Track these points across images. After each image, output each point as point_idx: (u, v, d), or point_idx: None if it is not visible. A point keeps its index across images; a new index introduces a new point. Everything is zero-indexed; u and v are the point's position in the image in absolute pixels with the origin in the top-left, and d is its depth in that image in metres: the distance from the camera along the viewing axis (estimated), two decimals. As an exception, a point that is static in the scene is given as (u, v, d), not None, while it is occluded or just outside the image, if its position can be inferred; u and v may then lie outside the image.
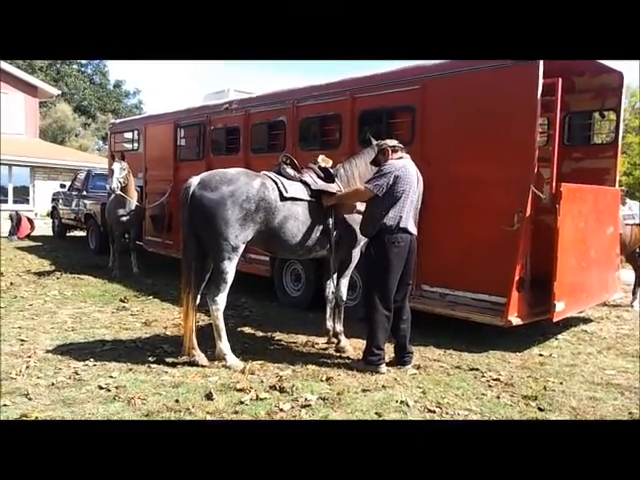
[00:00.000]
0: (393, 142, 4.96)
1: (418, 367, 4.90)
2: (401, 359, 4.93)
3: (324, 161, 5.41)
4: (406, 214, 4.71)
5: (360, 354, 5.02)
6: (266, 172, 5.19)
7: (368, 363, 4.77)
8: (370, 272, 4.92)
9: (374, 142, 5.12)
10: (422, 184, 5.03)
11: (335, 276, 5.50)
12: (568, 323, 6.45)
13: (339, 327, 5.46)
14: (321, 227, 5.17)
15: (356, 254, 5.48)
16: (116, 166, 9.31)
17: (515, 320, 5.30)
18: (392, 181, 4.65)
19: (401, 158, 4.86)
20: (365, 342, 4.87)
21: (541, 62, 5.10)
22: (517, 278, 5.27)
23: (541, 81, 5.16)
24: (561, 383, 4.59)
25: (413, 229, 4.80)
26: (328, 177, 5.34)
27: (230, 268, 4.78)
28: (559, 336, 6.12)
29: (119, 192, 9.40)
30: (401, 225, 4.68)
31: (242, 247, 4.84)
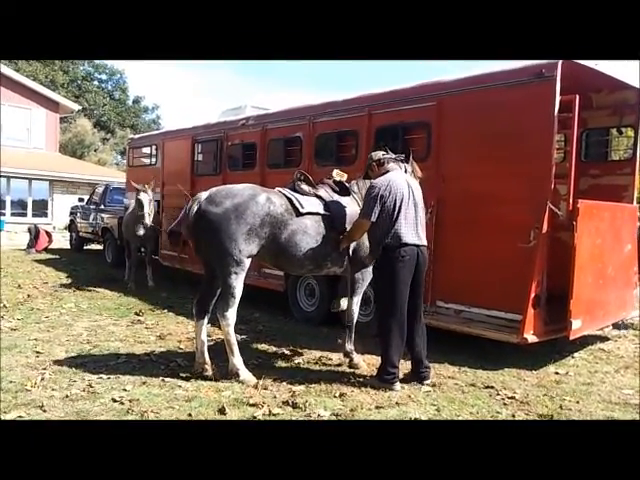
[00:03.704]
0: (378, 155, 4.95)
1: (433, 385, 4.85)
2: (419, 374, 4.87)
3: (339, 175, 5.43)
4: (405, 228, 4.65)
5: (374, 370, 4.99)
6: (280, 189, 5.21)
7: (382, 381, 4.71)
8: (379, 290, 4.90)
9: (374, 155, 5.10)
10: (420, 191, 4.90)
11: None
12: (585, 341, 6.36)
13: (349, 346, 5.40)
14: (332, 243, 5.13)
15: (369, 272, 5.46)
16: (145, 198, 9.34)
17: (531, 337, 5.24)
18: (379, 202, 4.63)
19: (387, 172, 4.81)
20: (379, 359, 4.83)
21: (558, 79, 5.09)
22: (533, 295, 5.21)
23: (558, 98, 5.15)
24: (577, 402, 4.52)
25: (418, 240, 4.72)
26: (343, 191, 5.36)
27: (237, 283, 4.77)
28: (575, 354, 6.04)
29: (150, 224, 9.52)
30: (402, 240, 4.62)
31: (247, 262, 4.82)
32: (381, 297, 4.86)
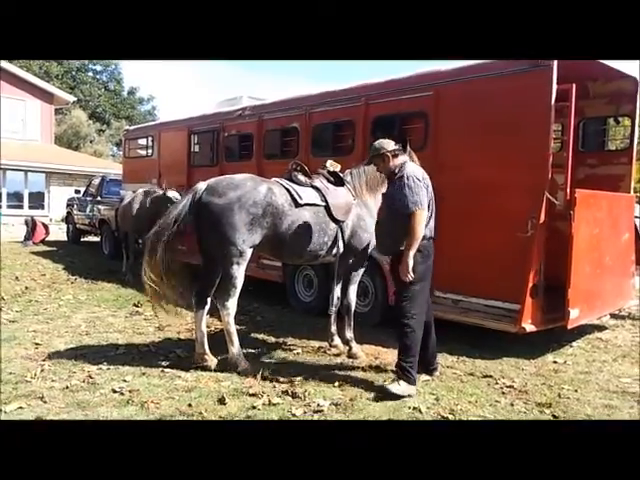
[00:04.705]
0: (391, 145, 4.58)
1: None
2: (431, 367, 4.81)
3: (332, 165, 5.44)
4: (434, 221, 4.56)
5: (373, 360, 5.01)
6: (277, 179, 5.21)
7: (411, 382, 4.34)
8: (410, 284, 4.35)
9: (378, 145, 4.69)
10: None
11: (341, 283, 5.51)
12: (583, 330, 6.39)
13: (349, 334, 5.43)
14: (329, 233, 5.18)
15: (364, 261, 5.49)
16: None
17: (529, 327, 5.26)
18: (426, 190, 4.37)
19: (405, 162, 4.53)
20: (379, 348, 4.78)
21: (555, 68, 5.08)
22: (531, 285, 5.22)
23: (555, 87, 5.15)
24: (576, 391, 4.56)
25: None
26: (338, 181, 5.37)
27: (239, 273, 4.79)
28: (573, 343, 6.07)
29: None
30: (433, 234, 4.52)
31: (250, 252, 4.84)
32: (412, 291, 4.38)
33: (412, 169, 4.45)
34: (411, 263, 4.24)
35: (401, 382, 4.29)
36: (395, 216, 4.39)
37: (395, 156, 4.55)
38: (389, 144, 4.58)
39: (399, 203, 4.32)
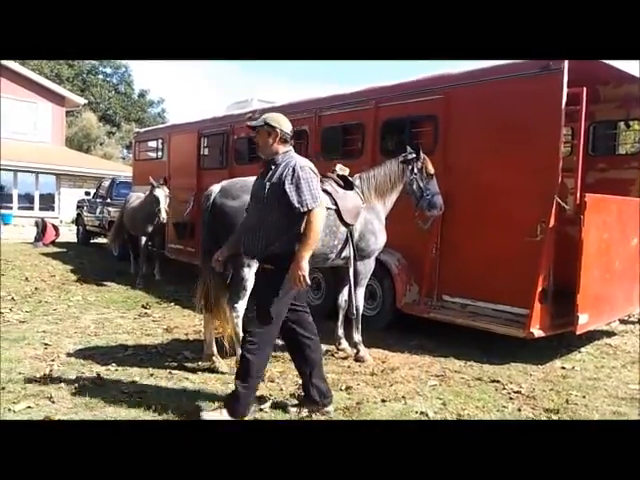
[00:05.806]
0: (287, 126, 3.89)
1: (439, 377, 4.87)
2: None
3: (342, 170, 5.45)
4: None
5: (380, 364, 5.01)
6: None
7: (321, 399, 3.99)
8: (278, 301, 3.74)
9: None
10: None
11: (349, 286, 5.50)
12: (591, 336, 6.35)
13: (357, 337, 5.42)
14: (339, 236, 5.16)
15: (372, 263, 5.48)
16: (160, 195, 9.17)
17: (537, 332, 5.23)
18: None
19: (291, 151, 3.86)
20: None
21: (565, 71, 5.07)
22: (540, 289, 5.20)
23: (565, 90, 5.13)
24: (584, 397, 4.52)
25: None
26: (347, 185, 5.37)
27: (250, 275, 4.79)
28: (582, 349, 6.03)
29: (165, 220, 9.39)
30: None
31: None
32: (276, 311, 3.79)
33: (304, 160, 3.83)
34: (306, 267, 3.60)
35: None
36: (270, 213, 3.72)
37: (283, 141, 3.84)
38: (286, 124, 3.89)
39: (292, 198, 3.60)
